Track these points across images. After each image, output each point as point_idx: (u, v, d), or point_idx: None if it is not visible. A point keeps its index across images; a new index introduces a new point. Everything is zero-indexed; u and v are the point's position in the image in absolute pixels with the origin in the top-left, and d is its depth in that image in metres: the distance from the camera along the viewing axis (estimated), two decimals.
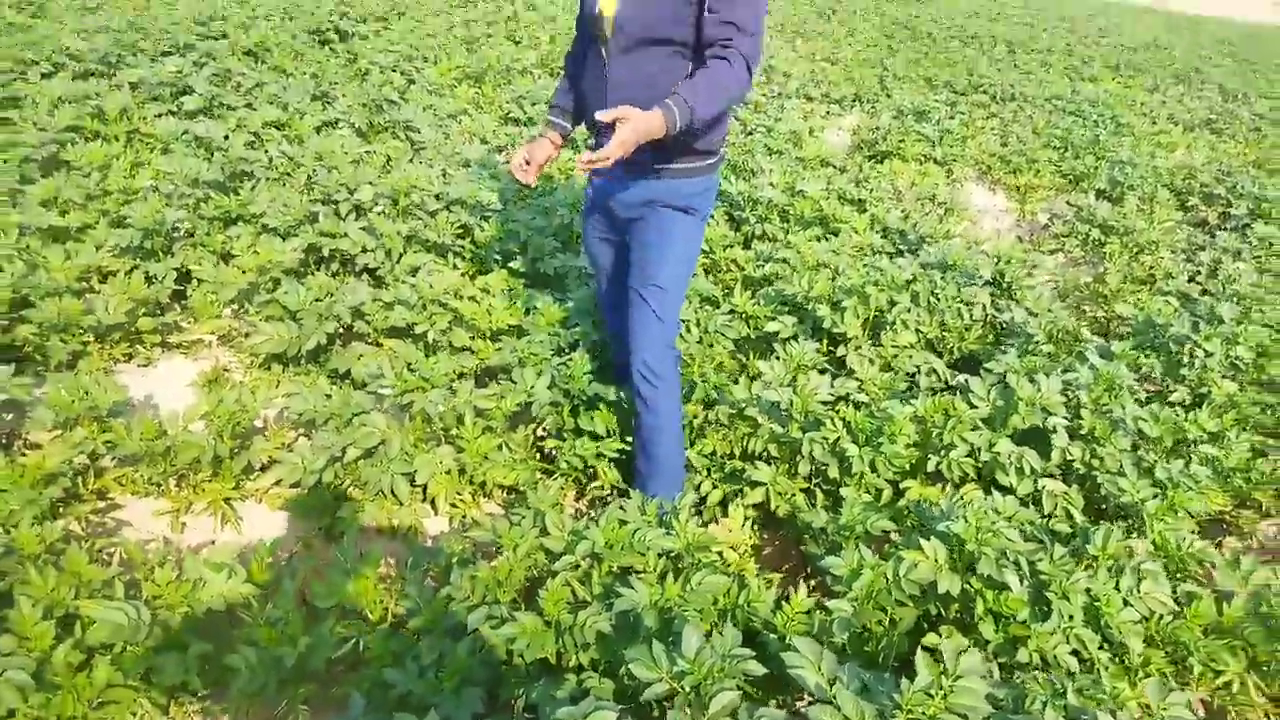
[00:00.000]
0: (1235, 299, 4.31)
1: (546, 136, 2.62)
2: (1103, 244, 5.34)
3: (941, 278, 3.67)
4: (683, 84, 2.20)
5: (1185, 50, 15.53)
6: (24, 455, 2.55)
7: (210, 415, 2.67)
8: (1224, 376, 3.65)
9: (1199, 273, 5.05)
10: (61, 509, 2.49)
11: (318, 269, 3.74)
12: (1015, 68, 11.38)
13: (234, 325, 3.46)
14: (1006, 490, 2.74)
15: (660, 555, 2.22)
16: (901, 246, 4.46)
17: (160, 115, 5.08)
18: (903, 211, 5.37)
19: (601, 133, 2.43)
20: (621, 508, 2.35)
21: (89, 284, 3.49)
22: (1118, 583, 2.21)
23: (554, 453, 2.91)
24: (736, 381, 3.13)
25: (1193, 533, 2.91)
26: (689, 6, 2.21)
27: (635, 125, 2.06)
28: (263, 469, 2.75)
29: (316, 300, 3.24)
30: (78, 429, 2.55)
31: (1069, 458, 2.81)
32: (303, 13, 8.13)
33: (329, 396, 2.91)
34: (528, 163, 2.53)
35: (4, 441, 2.81)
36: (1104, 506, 2.81)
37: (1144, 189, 6.32)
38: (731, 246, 4.44)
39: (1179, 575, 2.42)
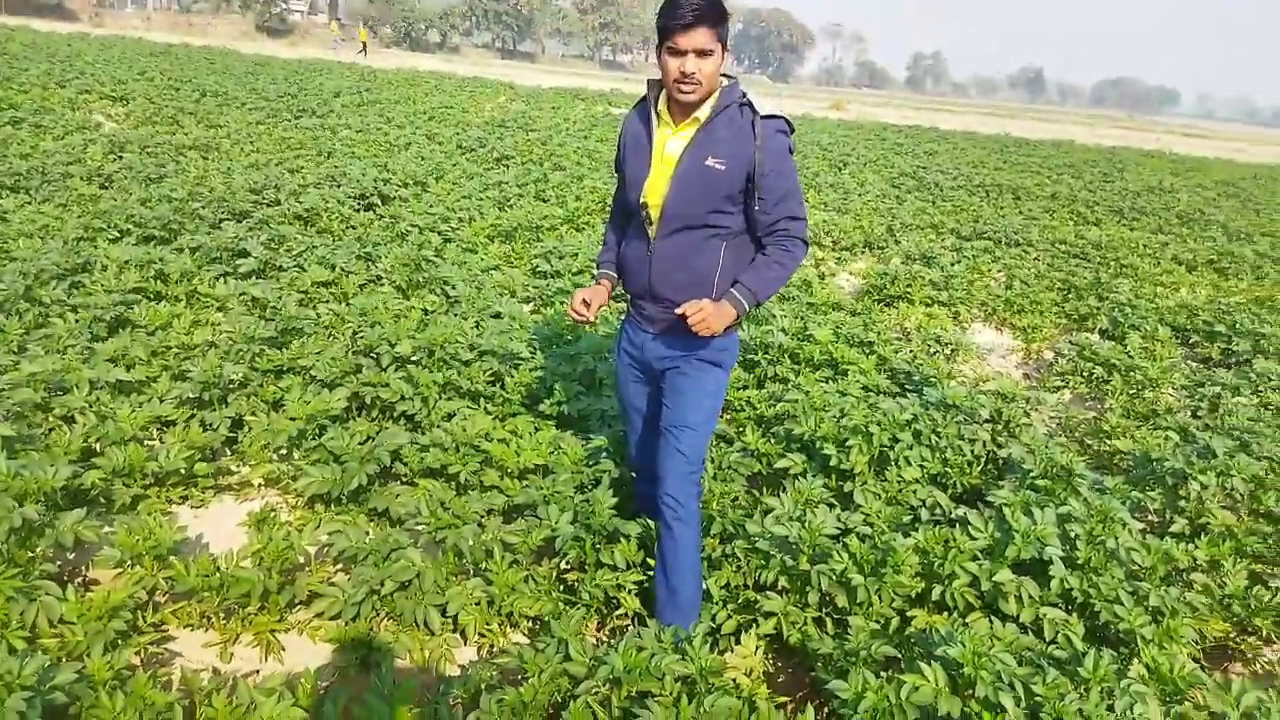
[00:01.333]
0: (1232, 433, 4.47)
1: (600, 285, 2.94)
2: (1106, 381, 5.55)
3: (942, 416, 3.90)
4: (746, 273, 2.65)
5: (1190, 192, 16.08)
6: (88, 591, 2.78)
7: (260, 553, 2.90)
8: (1223, 507, 3.79)
9: (1200, 408, 5.23)
10: (121, 641, 2.69)
11: (360, 415, 4.04)
12: (1020, 214, 11.90)
13: (282, 469, 3.73)
14: (1009, 618, 2.88)
15: (676, 680, 2.38)
16: (907, 386, 4.70)
17: (219, 277, 5.54)
18: (910, 353, 5.65)
19: (641, 298, 2.82)
20: (639, 635, 2.52)
21: (150, 433, 3.80)
22: (1111, 704, 2.32)
23: (577, 584, 3.09)
24: (750, 516, 3.33)
25: (1194, 659, 3.02)
26: (731, 201, 2.63)
27: (720, 316, 2.54)
28: (305, 603, 2.95)
29: (359, 444, 3.52)
30: (139, 566, 2.79)
31: (1067, 586, 2.94)
32: (349, 180, 8.82)
33: (368, 534, 3.15)
34: (586, 304, 2.81)
35: (65, 579, 3.04)
36: (1104, 634, 2.93)
37: (1146, 327, 6.58)
38: (746, 388, 4.71)
39: (1173, 698, 2.52)
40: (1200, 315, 7.02)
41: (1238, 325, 6.69)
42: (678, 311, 2.57)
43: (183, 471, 3.53)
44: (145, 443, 3.65)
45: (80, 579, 3.08)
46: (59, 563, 3.02)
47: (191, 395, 3.97)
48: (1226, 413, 5.01)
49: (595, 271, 3.05)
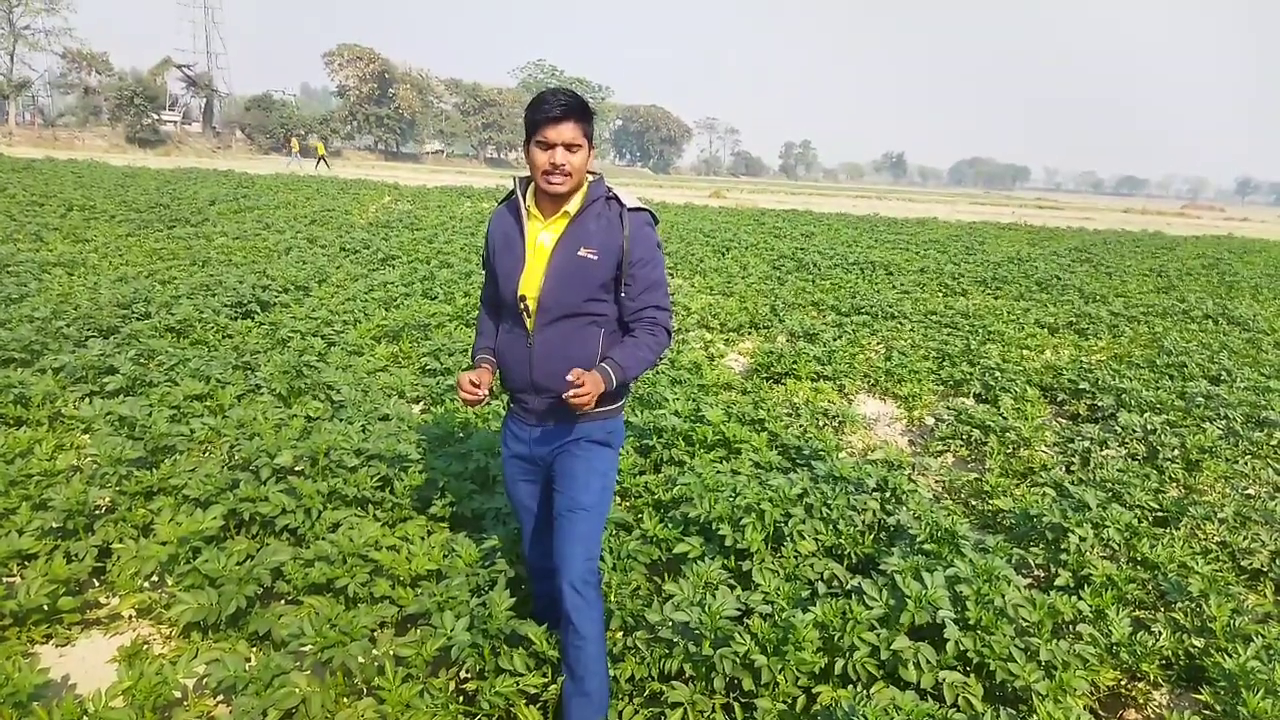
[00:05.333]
0: (1103, 485, 4.70)
1: (482, 368, 2.86)
2: (983, 443, 5.78)
3: (832, 489, 3.97)
4: (616, 350, 2.71)
5: (1046, 260, 17.18)
6: None
7: (131, 690, 2.69)
8: (1102, 558, 3.95)
9: (1073, 463, 5.49)
10: None
11: (238, 533, 3.84)
12: (893, 288, 12.47)
13: (154, 597, 3.50)
14: (909, 685, 2.91)
15: None
16: (798, 461, 4.79)
17: (84, 397, 5.26)
18: (801, 428, 5.77)
19: (523, 391, 2.81)
20: None
21: (9, 568, 3.52)
22: None
23: (476, 694, 2.97)
24: (651, 604, 3.29)
25: (1090, 709, 3.10)
26: (605, 290, 2.71)
27: (596, 381, 2.55)
28: None
29: (237, 565, 3.34)
30: None
31: (962, 648, 2.99)
32: (225, 289, 8.58)
33: (249, 660, 2.96)
34: (475, 385, 2.71)
35: None
36: (1001, 692, 2.98)
37: (1015, 389, 6.91)
38: (643, 473, 4.71)
39: None
40: (1065, 374, 7.43)
41: (1100, 382, 7.10)
42: (569, 377, 2.51)
43: (45, 608, 3.28)
44: (3, 580, 3.38)
45: None
46: None
47: (54, 525, 3.71)
48: (1097, 465, 5.28)
49: (474, 359, 2.97)
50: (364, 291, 9.38)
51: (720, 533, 3.67)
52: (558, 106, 2.57)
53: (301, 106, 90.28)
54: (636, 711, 2.95)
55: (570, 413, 2.75)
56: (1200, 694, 3.16)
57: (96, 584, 3.67)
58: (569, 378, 2.53)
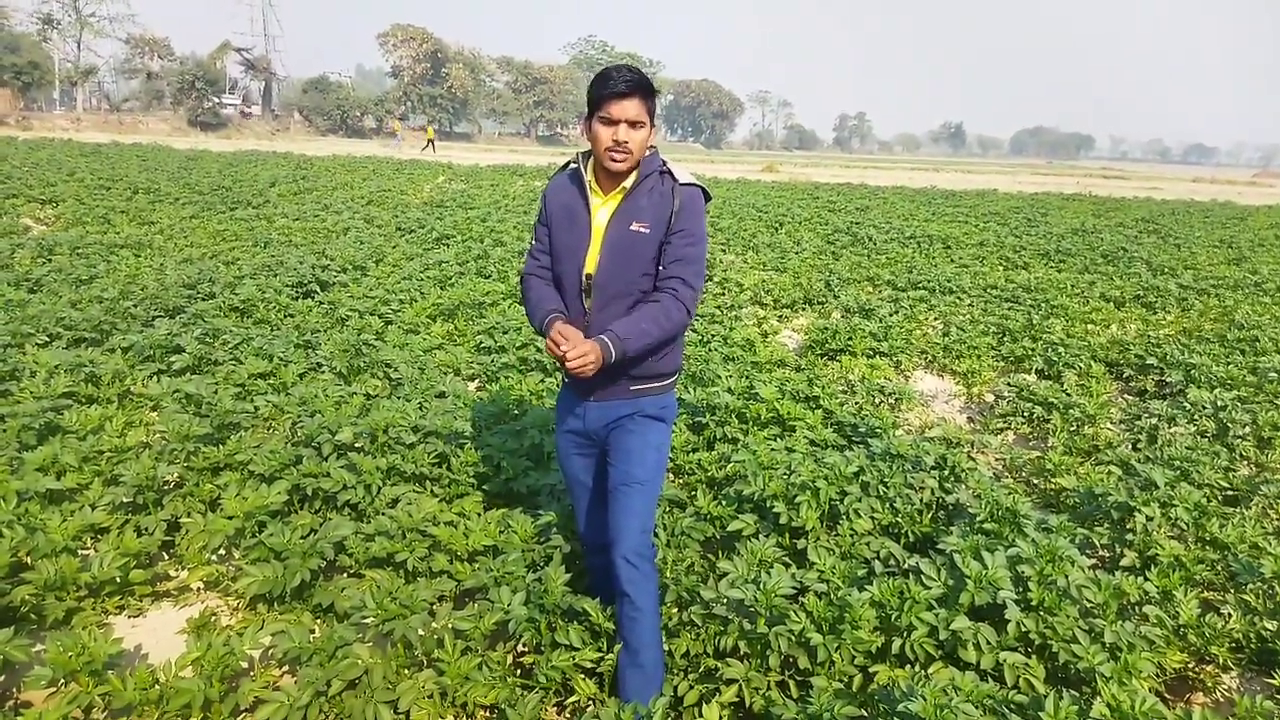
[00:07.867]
0: (1172, 463, 4.57)
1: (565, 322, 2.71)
2: (1046, 420, 5.65)
3: (889, 467, 3.92)
4: (621, 321, 2.61)
5: (1112, 232, 16.68)
6: (20, 715, 2.63)
7: (200, 660, 2.78)
8: (1169, 537, 3.85)
9: (1139, 441, 5.34)
10: None
11: (301, 508, 3.94)
12: (951, 262, 12.22)
13: (221, 570, 3.61)
14: (969, 666, 2.87)
15: None
16: (853, 439, 4.73)
17: (152, 376, 5.42)
18: (856, 405, 5.70)
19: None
20: (597, 717, 2.45)
21: (83, 542, 3.66)
22: None
23: (533, 667, 3.00)
24: (706, 581, 3.29)
25: (1155, 692, 3.03)
26: (656, 264, 2.69)
27: (586, 351, 2.48)
28: (250, 710, 2.83)
29: (301, 539, 3.42)
30: (73, 684, 2.65)
31: (1024, 629, 2.94)
32: (286, 269, 8.75)
33: (313, 632, 3.03)
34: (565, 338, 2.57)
35: None
36: (1064, 674, 2.92)
37: (1080, 365, 6.74)
38: (695, 450, 4.71)
39: None
40: (1132, 350, 7.22)
41: (1168, 357, 6.89)
42: (551, 332, 2.58)
43: (118, 580, 3.39)
44: (78, 553, 3.51)
45: (11, 702, 2.92)
46: None
47: (125, 500, 3.84)
48: (1165, 443, 5.13)
49: (545, 322, 2.74)
50: (419, 271, 9.49)
51: (774, 510, 3.65)
52: (623, 82, 2.55)
53: (357, 88, 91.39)
54: (691, 686, 2.96)
55: (625, 389, 2.79)
56: (1273, 678, 3.07)
57: (166, 557, 3.79)
58: (551, 332, 2.57)
